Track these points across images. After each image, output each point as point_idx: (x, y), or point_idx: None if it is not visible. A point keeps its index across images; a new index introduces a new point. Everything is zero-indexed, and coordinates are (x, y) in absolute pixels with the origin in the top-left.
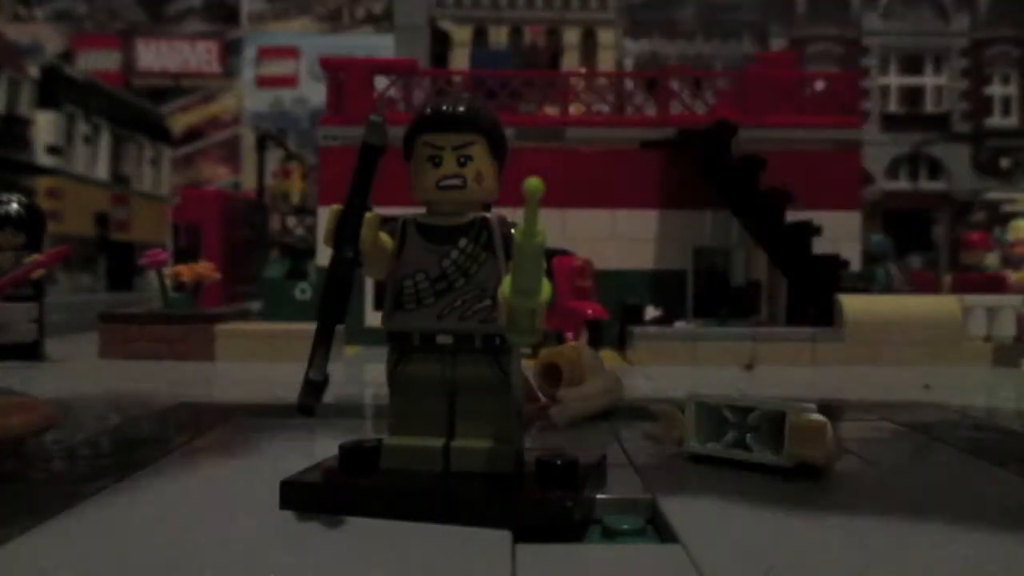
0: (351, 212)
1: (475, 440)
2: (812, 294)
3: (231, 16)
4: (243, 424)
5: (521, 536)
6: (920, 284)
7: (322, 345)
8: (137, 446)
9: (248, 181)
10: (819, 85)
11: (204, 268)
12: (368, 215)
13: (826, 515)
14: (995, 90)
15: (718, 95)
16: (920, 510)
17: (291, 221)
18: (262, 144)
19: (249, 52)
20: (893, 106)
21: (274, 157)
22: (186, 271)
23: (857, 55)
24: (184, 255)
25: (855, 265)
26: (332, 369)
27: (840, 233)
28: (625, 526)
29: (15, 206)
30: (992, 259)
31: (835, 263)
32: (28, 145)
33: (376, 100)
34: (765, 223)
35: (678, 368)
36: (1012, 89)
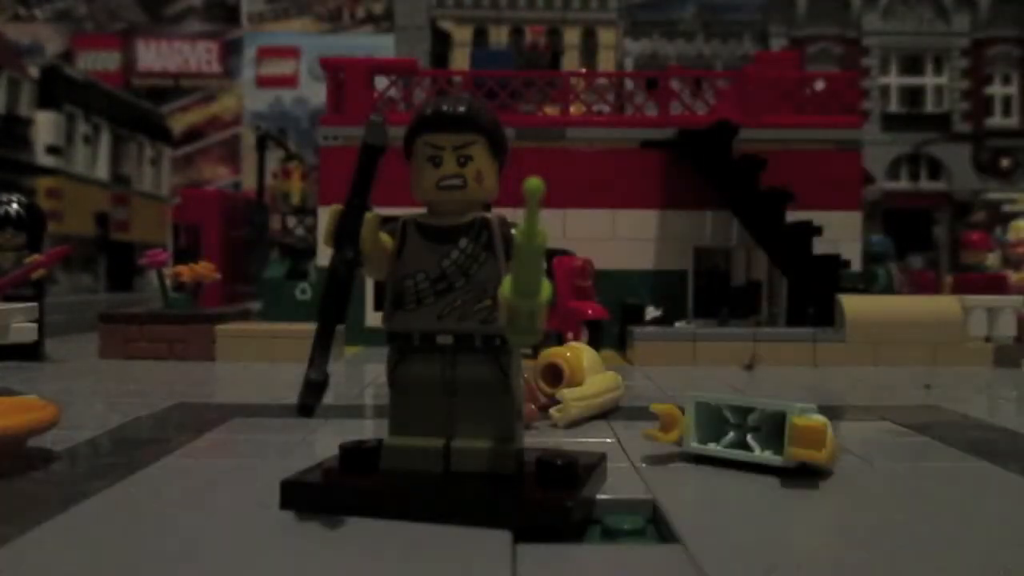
0: (351, 212)
1: (475, 440)
2: (812, 294)
3: (231, 16)
4: (243, 424)
5: (521, 536)
6: (921, 284)
7: (322, 345)
8: (137, 446)
9: (248, 181)
10: (819, 85)
11: (204, 268)
12: (368, 215)
13: (826, 515)
14: (996, 90)
15: (718, 95)
16: (920, 510)
17: (291, 221)
18: (262, 144)
19: (249, 52)
20: (893, 106)
21: (274, 157)
22: (186, 271)
23: (857, 55)
24: (184, 255)
25: (855, 265)
26: (332, 369)
27: (841, 233)
28: (625, 526)
29: (15, 206)
30: (993, 259)
31: (835, 263)
32: (28, 145)
33: (376, 100)
34: (765, 223)
35: (678, 368)
36: (1013, 89)
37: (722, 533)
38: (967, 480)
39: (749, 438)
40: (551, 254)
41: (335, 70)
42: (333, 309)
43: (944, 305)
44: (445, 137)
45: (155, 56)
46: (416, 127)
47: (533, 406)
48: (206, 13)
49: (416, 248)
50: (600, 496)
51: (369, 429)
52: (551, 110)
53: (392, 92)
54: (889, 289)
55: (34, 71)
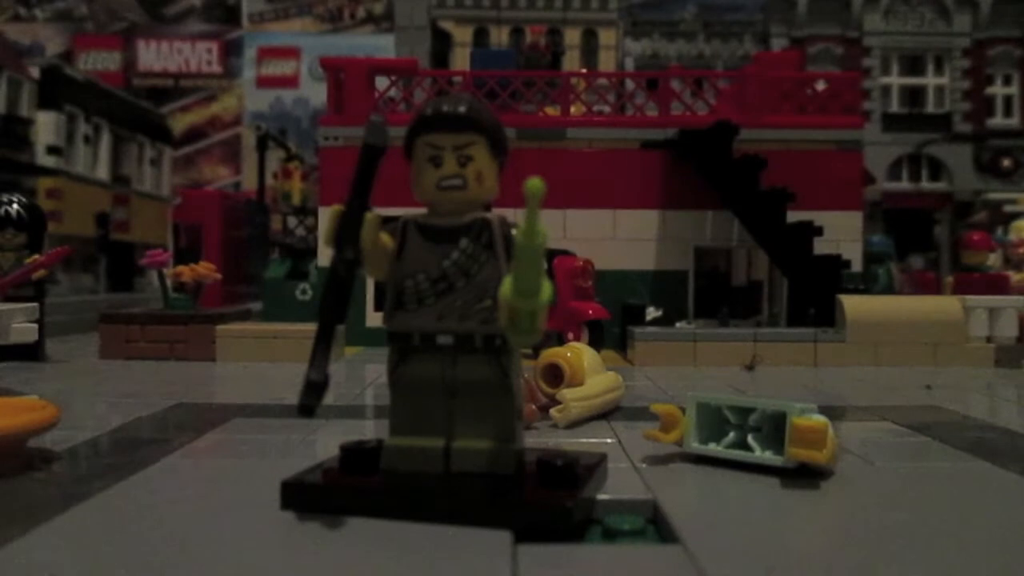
0: (351, 212)
1: (475, 441)
2: (813, 294)
3: (231, 16)
4: (243, 424)
5: (521, 536)
6: (922, 284)
7: (322, 345)
8: (137, 446)
9: (248, 181)
10: (820, 85)
11: (204, 268)
12: (369, 215)
13: (826, 515)
14: (997, 90)
15: (719, 95)
16: (920, 510)
17: (291, 221)
18: (262, 144)
19: (249, 52)
20: (895, 106)
21: (274, 157)
22: (187, 271)
23: (858, 55)
24: (184, 255)
25: (856, 265)
26: (332, 369)
27: (841, 233)
28: (625, 526)
29: (15, 206)
30: (994, 260)
31: (836, 263)
32: (28, 145)
33: (376, 100)
34: (766, 223)
35: (678, 368)
36: (1014, 89)
37: (722, 533)
38: (967, 480)
39: (749, 438)
40: (551, 254)
41: (335, 70)
42: (333, 309)
43: (945, 305)
44: (445, 137)
45: (155, 56)
46: (416, 127)
47: (533, 406)
48: (206, 13)
49: (416, 248)
50: (600, 496)
51: (369, 429)
52: (551, 110)
53: (392, 92)
54: (890, 289)
55: (34, 71)
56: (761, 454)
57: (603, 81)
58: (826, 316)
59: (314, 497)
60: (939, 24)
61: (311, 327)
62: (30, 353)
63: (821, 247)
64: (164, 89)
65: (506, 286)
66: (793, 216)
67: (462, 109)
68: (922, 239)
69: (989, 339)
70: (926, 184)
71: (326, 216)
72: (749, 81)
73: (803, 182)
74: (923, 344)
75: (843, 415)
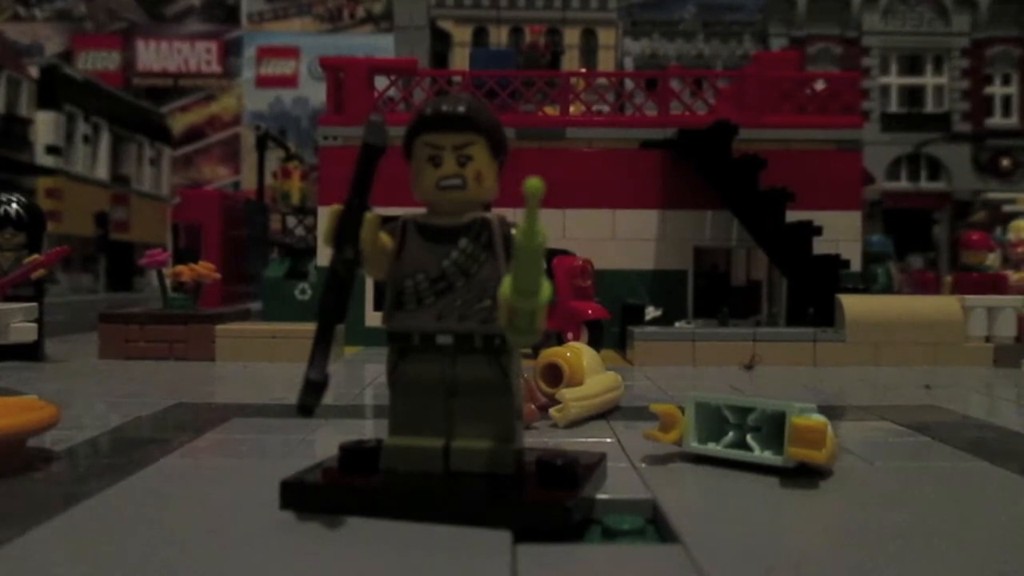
0: (351, 212)
1: (475, 440)
2: (812, 294)
3: (231, 16)
4: (243, 424)
5: (521, 536)
6: (921, 284)
7: (322, 345)
8: (137, 446)
9: (248, 181)
10: (819, 85)
11: (204, 268)
12: (368, 215)
13: (826, 515)
14: (996, 90)
15: (718, 95)
16: (920, 510)
17: (291, 221)
18: (261, 144)
19: (249, 52)
20: (894, 106)
21: (274, 157)
22: (186, 271)
23: (857, 55)
24: (184, 255)
25: (855, 265)
26: (332, 369)
27: (840, 233)
28: (625, 526)
29: (15, 206)
30: (993, 259)
31: (835, 263)
32: (28, 145)
33: (376, 100)
34: (765, 223)
35: (678, 368)
36: (1013, 89)
37: (722, 533)
38: (967, 480)
39: (749, 438)
40: (551, 254)
41: (335, 70)
42: (333, 309)
43: (944, 305)
44: (445, 137)
45: (155, 56)
46: (416, 127)
47: (533, 406)
48: (206, 13)
49: (416, 248)
50: (600, 496)
51: (369, 429)
52: (551, 110)
53: (392, 92)
54: (889, 289)
55: (34, 71)
56: (760, 454)
57: (602, 81)
58: (825, 316)
59: (314, 497)
60: (938, 24)
61: (311, 327)
62: (30, 353)
63: (820, 247)
64: (163, 89)
65: (506, 286)
66: (792, 216)
67: (461, 109)
68: (921, 239)
69: (988, 339)
70: (925, 184)
71: (326, 216)
72: (748, 81)
73: (802, 182)
74: (922, 344)
75: (842, 415)
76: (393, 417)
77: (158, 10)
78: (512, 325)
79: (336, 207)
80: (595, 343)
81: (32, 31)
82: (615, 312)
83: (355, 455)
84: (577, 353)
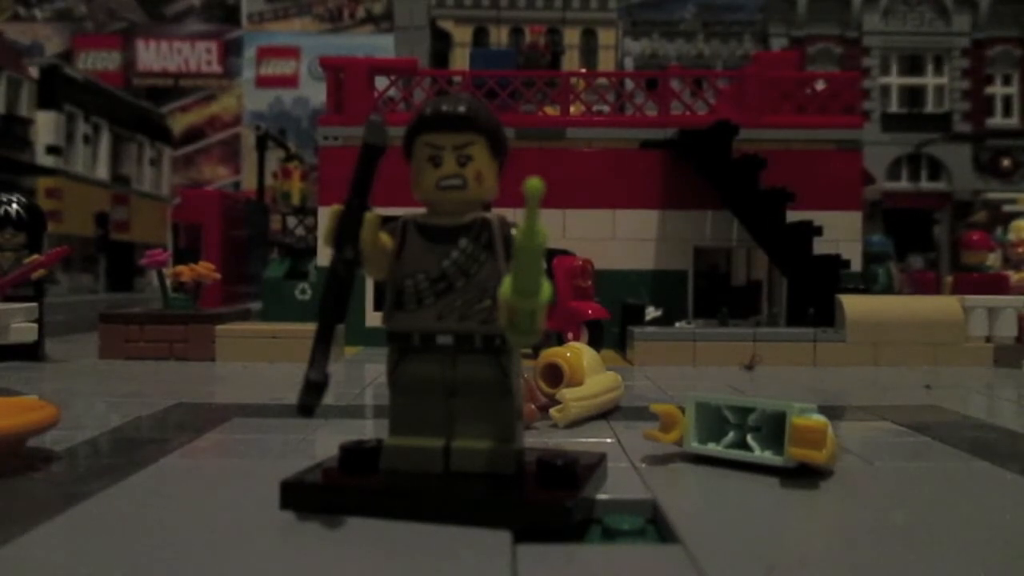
0: (351, 212)
1: (475, 440)
2: (812, 294)
3: (231, 16)
4: (243, 424)
5: (521, 536)
6: (921, 284)
7: (322, 345)
8: (137, 446)
9: (248, 181)
10: (820, 85)
11: (204, 268)
12: (368, 215)
13: (826, 515)
14: (996, 90)
15: (718, 95)
16: (920, 510)
17: (291, 221)
18: (262, 144)
19: (249, 52)
20: (894, 106)
21: (274, 157)
22: (186, 271)
23: (858, 55)
24: (184, 255)
25: (855, 265)
26: (332, 369)
27: (840, 233)
28: (625, 526)
29: (15, 206)
30: (993, 259)
31: (835, 263)
32: (28, 145)
33: (376, 100)
34: (765, 223)
35: (678, 368)
36: (1013, 89)
37: (722, 533)
38: (967, 480)
39: (749, 438)
40: (551, 254)
41: (335, 70)
42: (333, 309)
43: (944, 305)
44: (445, 137)
45: (155, 56)
46: (416, 127)
47: (533, 406)
48: (206, 13)
49: (416, 248)
50: (600, 496)
51: (369, 429)
52: (551, 110)
53: (392, 92)
54: (889, 289)
55: (34, 71)
56: (761, 454)
57: (602, 81)
58: (825, 316)
59: (314, 497)
60: (938, 24)
61: (311, 327)
62: (30, 353)
63: (820, 247)
64: (164, 89)
65: (506, 286)
66: (793, 216)
67: (462, 109)
68: (921, 239)
69: (988, 339)
70: (925, 184)
71: (326, 216)
72: (749, 81)
73: (803, 182)
74: (922, 344)
75: (843, 415)
76: (393, 417)
77: (158, 10)
78: (512, 325)
79: (336, 207)
80: (595, 343)
81: (32, 31)
82: (615, 312)
83: (355, 455)
84: (577, 353)
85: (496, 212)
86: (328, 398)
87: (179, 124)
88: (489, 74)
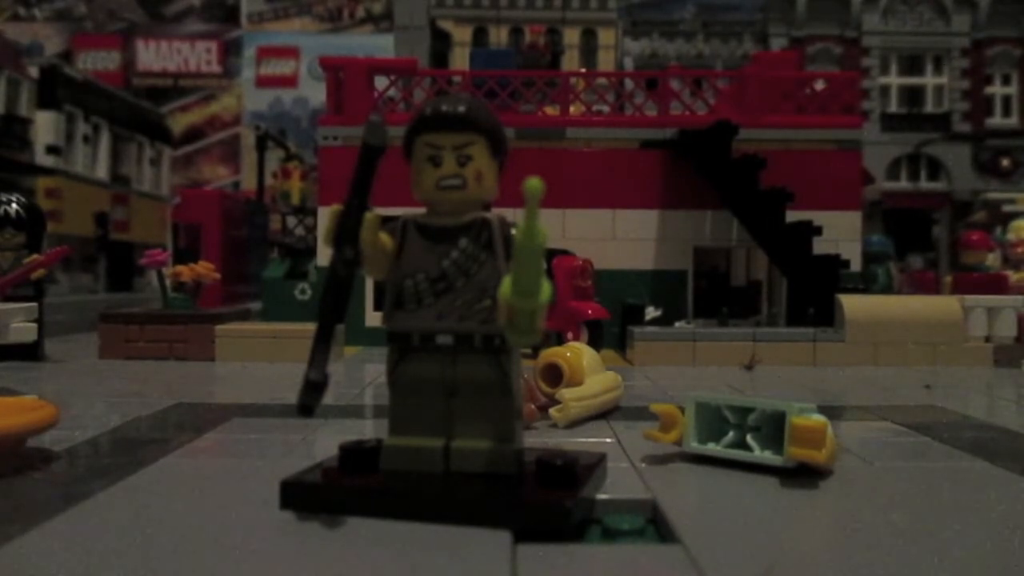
0: (351, 212)
1: (475, 440)
2: (812, 294)
3: (231, 16)
4: (243, 424)
5: (521, 536)
6: (921, 284)
7: (322, 345)
8: (137, 446)
9: (248, 181)
10: (819, 85)
11: (204, 268)
12: (368, 215)
13: (826, 515)
14: (996, 90)
15: (718, 95)
16: (920, 510)
17: (291, 221)
18: (261, 144)
19: (249, 52)
20: (893, 106)
21: (274, 157)
22: (186, 271)
23: (857, 55)
24: (184, 255)
25: (855, 265)
26: (332, 369)
27: (840, 233)
28: (625, 526)
29: (15, 206)
30: (993, 259)
31: (835, 263)
32: (28, 145)
33: (375, 100)
34: (765, 223)
35: (678, 368)
36: (1012, 89)
37: (722, 533)
38: (967, 480)
39: (749, 438)
40: (551, 254)
41: (334, 70)
42: (333, 309)
43: (944, 305)
44: (445, 137)
45: (155, 56)
46: (416, 127)
47: (533, 406)
48: (205, 13)
49: (416, 248)
50: (600, 496)
51: (369, 429)
52: (551, 110)
53: (392, 92)
54: (889, 289)
55: (34, 71)
56: (760, 454)
57: (602, 81)
58: (825, 316)
59: (313, 497)
60: (938, 24)
61: (310, 327)
62: (29, 353)
63: (820, 247)
64: (163, 89)
65: (505, 286)
66: (792, 216)
67: (461, 109)
68: (921, 239)
69: (988, 339)
70: (925, 184)
71: (325, 216)
72: (748, 81)
73: (802, 182)
74: (922, 344)
75: (842, 415)
76: (393, 417)
77: (158, 10)
78: (512, 325)
79: (336, 207)
80: (595, 343)
81: (32, 31)
82: (615, 312)
83: (355, 455)
84: (577, 353)
85: (496, 212)
86: (328, 398)
87: (179, 124)
88: (489, 74)
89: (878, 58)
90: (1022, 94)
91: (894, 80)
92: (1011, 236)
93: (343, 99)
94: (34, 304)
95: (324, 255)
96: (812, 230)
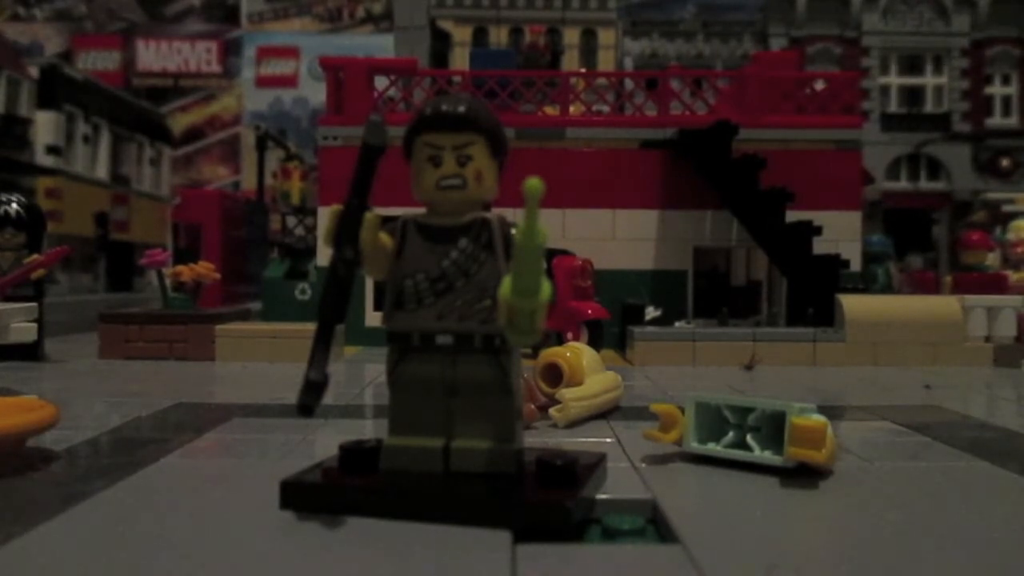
0: (351, 212)
1: (475, 440)
2: (812, 294)
3: (230, 16)
4: (243, 424)
5: (521, 536)
6: (921, 284)
7: (322, 345)
8: (137, 446)
9: (248, 181)
10: (819, 85)
11: (204, 268)
12: (368, 215)
13: (825, 515)
14: (995, 90)
15: (718, 95)
16: (920, 510)
17: (291, 221)
18: (261, 144)
19: (249, 52)
20: (893, 106)
21: (274, 157)
22: (186, 271)
23: (857, 55)
24: (184, 255)
25: (855, 265)
26: (332, 369)
27: (840, 233)
28: (625, 526)
29: (15, 206)
30: (992, 259)
31: (835, 263)
32: (28, 145)
33: (375, 100)
34: (765, 223)
35: (678, 368)
36: (1012, 89)
37: (722, 533)
38: (967, 480)
39: (749, 438)
40: (551, 254)
41: (334, 70)
42: (333, 309)
43: (944, 305)
44: (445, 137)
45: (155, 56)
46: (416, 127)
47: (533, 406)
48: (206, 13)
49: (416, 248)
50: (600, 496)
51: (369, 429)
52: (551, 110)
53: (391, 92)
54: (889, 289)
55: (34, 71)
56: (760, 454)
57: (602, 81)
58: (825, 316)
59: (313, 497)
60: (938, 24)
61: (310, 327)
62: (29, 353)
63: (820, 247)
64: (163, 89)
65: (505, 286)
66: (792, 216)
67: (461, 109)
68: (921, 239)
69: (988, 338)
70: (925, 184)
71: (325, 216)
72: (748, 81)
73: (802, 182)
74: (922, 344)
75: (842, 415)
76: (393, 417)
77: (158, 10)
78: (512, 325)
79: (336, 207)
80: (595, 343)
81: (32, 31)
82: (615, 312)
83: (355, 455)
84: (577, 353)
85: (496, 212)
86: (328, 398)
87: (179, 124)
88: (489, 74)
89: (878, 58)
90: (1022, 94)
91: (894, 80)
92: (1011, 236)
93: (343, 99)
94: (34, 304)
95: (324, 255)
96: (812, 230)
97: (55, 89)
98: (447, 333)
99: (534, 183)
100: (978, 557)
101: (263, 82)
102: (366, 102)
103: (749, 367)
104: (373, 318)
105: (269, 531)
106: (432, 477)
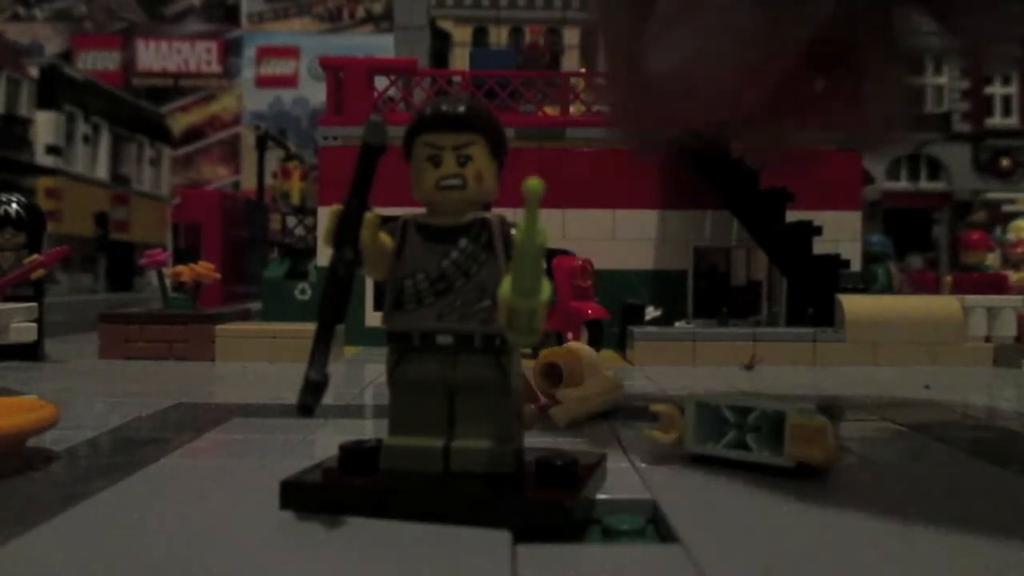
0: (351, 212)
1: (475, 440)
2: (812, 294)
3: (230, 16)
4: (243, 424)
5: (521, 536)
6: (921, 284)
7: (322, 345)
8: (137, 446)
9: (248, 181)
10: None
11: (204, 268)
12: (368, 215)
13: (826, 515)
14: (996, 90)
15: None
16: (920, 510)
17: (291, 221)
18: (261, 144)
19: (249, 52)
20: None
21: (274, 157)
22: (186, 271)
23: None
24: (184, 255)
25: (855, 265)
26: (332, 369)
27: (840, 233)
28: (625, 526)
29: (15, 206)
30: (992, 259)
31: (835, 263)
32: (28, 145)
33: (375, 100)
34: (765, 223)
35: (678, 368)
36: (1013, 89)
37: (721, 533)
38: (967, 480)
39: (749, 438)
40: (551, 254)
41: (334, 70)
42: (333, 309)
43: (944, 305)
44: (445, 137)
45: (155, 56)
46: (416, 127)
47: (533, 406)
48: (205, 13)
49: (416, 248)
50: (600, 496)
51: (369, 429)
52: (551, 110)
53: (391, 92)
54: (889, 289)
55: (34, 71)
56: (760, 454)
57: (602, 80)
58: (825, 316)
59: (313, 497)
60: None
61: (311, 327)
62: (29, 353)
63: (820, 247)
64: (163, 89)
65: (505, 286)
66: (792, 216)
67: (461, 109)
68: (921, 239)
69: (988, 339)
70: (925, 184)
71: (325, 216)
72: None
73: (802, 182)
74: (922, 344)
75: (842, 415)
76: (393, 417)
77: (158, 10)
78: (512, 325)
79: (336, 207)
80: (595, 343)
81: (32, 31)
82: (615, 312)
83: (355, 455)
84: (577, 353)
85: (496, 212)
86: (328, 398)
87: (179, 124)
88: (489, 74)
89: None
90: (1022, 94)
91: None
92: (1011, 236)
93: (343, 99)
94: (34, 304)
95: (324, 255)
96: (812, 230)
97: (55, 89)
98: (447, 333)
99: (534, 183)
100: (978, 557)
101: (263, 82)
102: (366, 102)
103: (749, 367)
104: (373, 318)
105: (269, 531)
106: (432, 477)
